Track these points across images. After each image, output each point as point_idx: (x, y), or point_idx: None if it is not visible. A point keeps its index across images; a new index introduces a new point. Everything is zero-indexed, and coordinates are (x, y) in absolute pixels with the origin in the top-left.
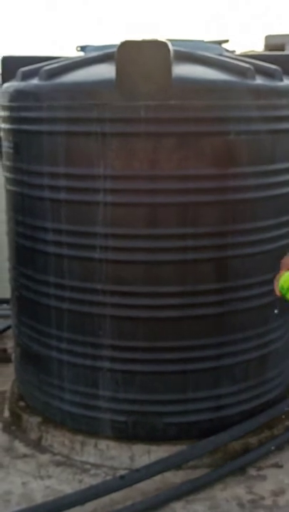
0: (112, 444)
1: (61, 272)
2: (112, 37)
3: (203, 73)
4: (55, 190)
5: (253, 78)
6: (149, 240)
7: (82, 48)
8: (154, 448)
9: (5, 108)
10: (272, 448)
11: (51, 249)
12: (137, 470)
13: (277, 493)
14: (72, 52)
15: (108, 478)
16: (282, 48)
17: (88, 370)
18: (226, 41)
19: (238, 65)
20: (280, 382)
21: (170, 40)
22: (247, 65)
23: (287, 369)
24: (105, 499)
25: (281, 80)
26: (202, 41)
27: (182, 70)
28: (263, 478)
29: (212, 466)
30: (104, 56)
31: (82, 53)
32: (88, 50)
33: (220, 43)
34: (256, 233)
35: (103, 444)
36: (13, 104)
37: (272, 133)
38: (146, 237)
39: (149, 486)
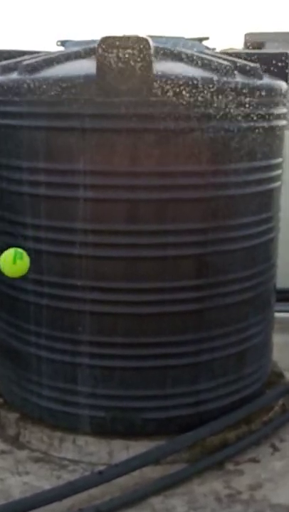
0: (90, 439)
1: (40, 267)
2: (93, 32)
3: (184, 70)
4: (34, 186)
5: (233, 76)
6: (129, 236)
7: (63, 43)
8: (132, 443)
9: None
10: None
11: (30, 244)
12: (116, 465)
13: (254, 488)
14: (52, 47)
15: (86, 473)
16: (261, 46)
17: (67, 366)
18: (207, 38)
19: (218, 62)
20: (259, 378)
21: (151, 37)
22: (227, 63)
23: (265, 364)
24: (84, 495)
25: (260, 77)
26: (183, 38)
27: (163, 66)
28: (241, 472)
29: (190, 461)
30: (84, 51)
31: (62, 48)
32: (68, 45)
33: (200, 40)
34: (237, 230)
35: (82, 440)
36: None
37: (252, 130)
38: (126, 233)
39: (127, 482)
